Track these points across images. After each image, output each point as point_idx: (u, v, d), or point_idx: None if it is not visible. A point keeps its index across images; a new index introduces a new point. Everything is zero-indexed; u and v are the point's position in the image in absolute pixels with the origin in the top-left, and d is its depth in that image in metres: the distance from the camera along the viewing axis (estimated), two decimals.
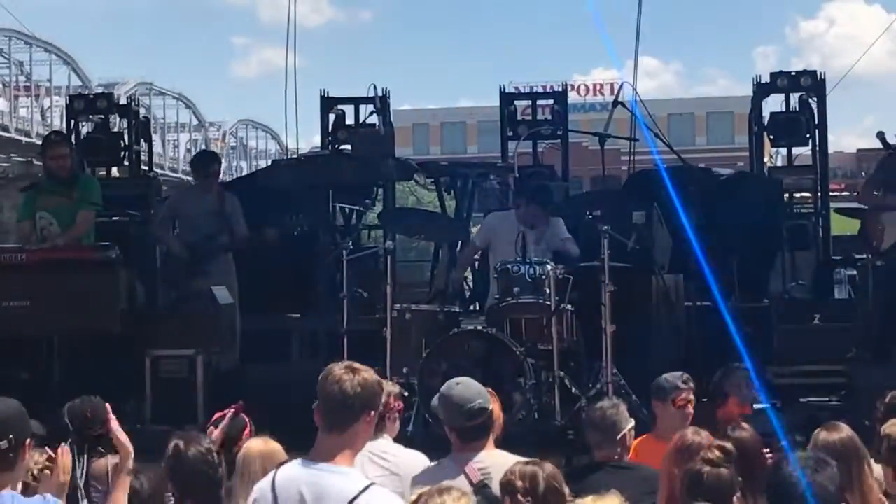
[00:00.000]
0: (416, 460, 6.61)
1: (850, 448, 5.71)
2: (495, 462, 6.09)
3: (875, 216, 11.63)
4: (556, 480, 5.46)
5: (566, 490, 5.48)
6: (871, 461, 5.88)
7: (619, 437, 7.00)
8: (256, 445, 6.14)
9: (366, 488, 4.97)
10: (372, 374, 5.18)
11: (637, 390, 10.31)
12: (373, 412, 5.13)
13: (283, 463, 5.38)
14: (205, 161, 13.26)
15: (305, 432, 6.94)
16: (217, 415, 6.94)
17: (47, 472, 5.87)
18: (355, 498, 4.92)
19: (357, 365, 5.21)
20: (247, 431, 6.74)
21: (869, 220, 11.79)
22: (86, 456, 6.45)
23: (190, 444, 5.74)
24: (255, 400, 8.43)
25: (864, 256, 12.62)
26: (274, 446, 6.12)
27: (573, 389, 10.19)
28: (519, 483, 5.43)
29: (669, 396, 8.01)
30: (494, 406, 6.80)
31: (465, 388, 6.29)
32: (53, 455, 5.94)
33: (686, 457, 6.03)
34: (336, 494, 4.96)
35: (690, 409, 7.92)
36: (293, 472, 5.12)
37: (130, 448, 6.09)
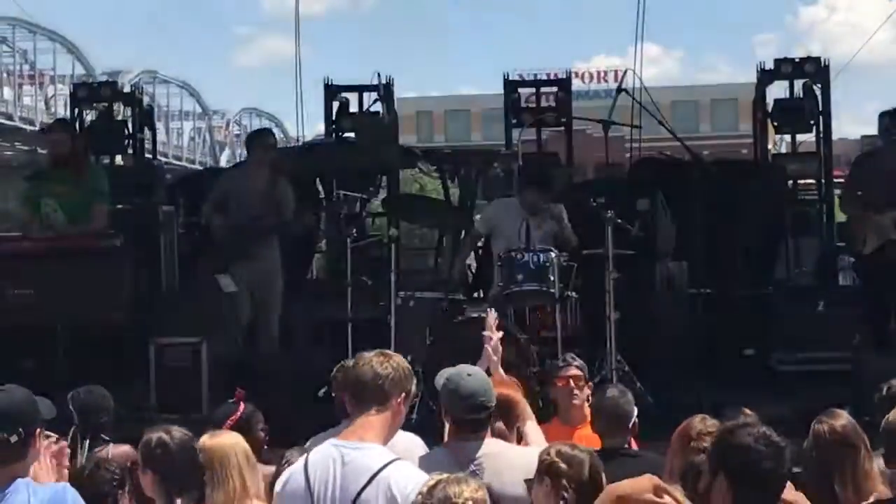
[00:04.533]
0: (412, 442, 6.61)
1: (845, 436, 5.68)
2: (488, 451, 6.08)
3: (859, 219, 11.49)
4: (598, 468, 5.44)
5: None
6: (871, 452, 5.84)
7: (629, 426, 7.04)
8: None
9: (390, 462, 5.12)
10: (402, 360, 5.37)
11: (641, 377, 10.33)
12: (404, 394, 5.31)
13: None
14: (254, 138, 12.76)
15: (309, 419, 6.94)
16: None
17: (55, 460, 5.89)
18: (379, 471, 5.07)
19: (388, 351, 5.42)
20: (234, 417, 6.73)
21: (853, 221, 11.72)
22: (87, 443, 6.47)
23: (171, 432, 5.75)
24: (260, 388, 8.46)
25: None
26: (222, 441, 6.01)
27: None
28: (564, 467, 5.38)
29: (552, 377, 8.13)
30: (517, 395, 6.80)
31: (474, 380, 6.24)
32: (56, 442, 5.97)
33: (685, 444, 6.03)
34: (361, 469, 5.11)
35: (573, 385, 7.96)
36: (324, 453, 5.25)
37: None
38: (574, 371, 8.09)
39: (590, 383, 8.19)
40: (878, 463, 5.85)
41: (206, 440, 5.83)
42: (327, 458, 5.22)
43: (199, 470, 5.62)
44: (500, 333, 7.13)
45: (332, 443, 5.30)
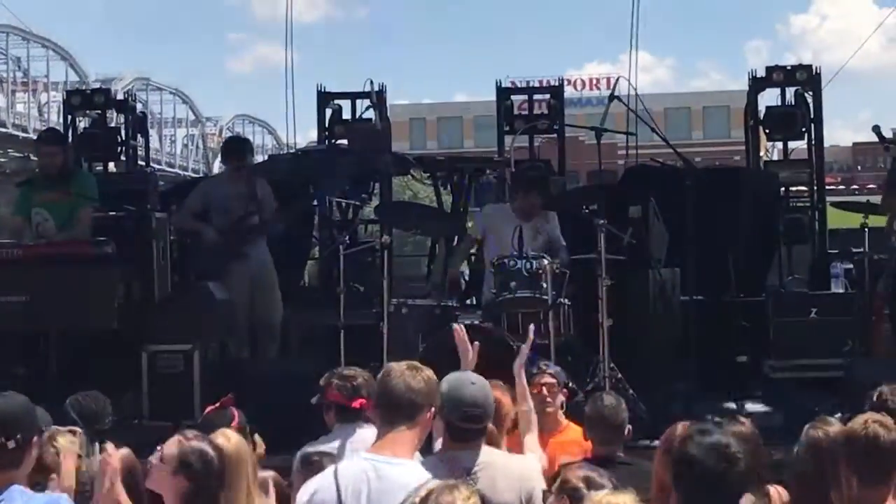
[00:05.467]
0: None
1: (837, 443, 5.68)
2: (483, 461, 6.06)
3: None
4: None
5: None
6: None
7: (624, 433, 7.03)
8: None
9: (427, 481, 5.04)
10: (432, 373, 5.39)
11: (634, 384, 10.32)
12: (433, 408, 5.35)
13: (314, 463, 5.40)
14: (238, 150, 12.85)
15: (301, 427, 6.91)
16: (209, 408, 6.91)
17: (54, 476, 5.88)
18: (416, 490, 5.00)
19: (417, 364, 5.42)
20: (234, 423, 6.69)
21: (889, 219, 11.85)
22: (96, 446, 6.46)
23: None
24: (252, 395, 8.45)
25: (861, 251, 12.65)
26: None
27: (570, 384, 10.18)
28: (586, 493, 5.37)
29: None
30: (506, 399, 6.78)
31: (477, 389, 6.16)
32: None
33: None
34: (397, 486, 5.06)
35: (546, 393, 7.93)
36: (355, 465, 5.24)
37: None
38: (547, 379, 8.05)
39: (564, 390, 8.16)
40: None
41: (223, 443, 5.74)
42: (360, 471, 5.19)
43: (222, 480, 5.52)
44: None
45: (363, 456, 5.28)
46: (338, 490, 5.16)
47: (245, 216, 12.11)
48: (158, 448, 5.42)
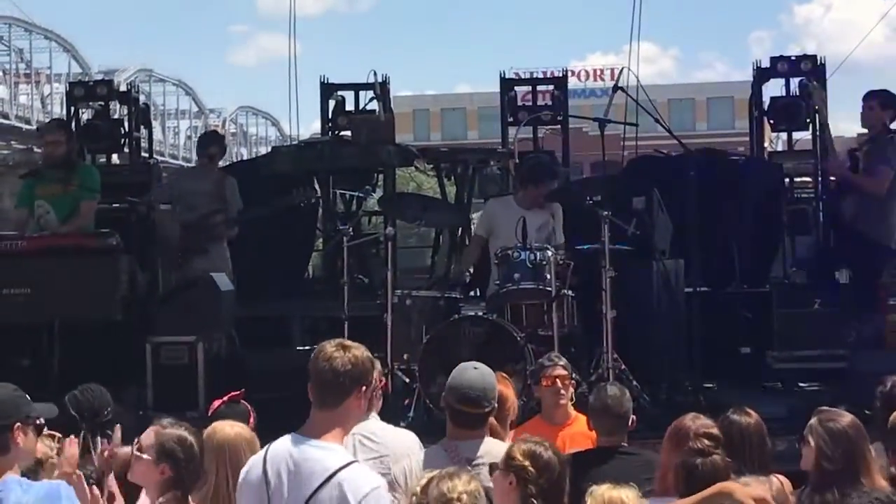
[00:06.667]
0: (406, 439, 6.57)
1: (859, 433, 5.73)
2: (487, 451, 6.05)
3: None
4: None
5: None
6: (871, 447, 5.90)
7: (628, 424, 7.03)
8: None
9: (347, 464, 5.06)
10: (363, 351, 5.24)
11: (637, 376, 10.32)
12: (364, 388, 5.20)
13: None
14: (204, 142, 13.31)
15: (303, 418, 6.93)
16: (215, 402, 6.91)
17: (53, 461, 5.88)
18: (335, 473, 5.01)
19: (348, 342, 5.29)
20: (251, 421, 6.69)
21: None
22: (98, 440, 6.45)
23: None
24: (256, 387, 8.45)
25: None
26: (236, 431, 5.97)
27: (574, 375, 10.18)
28: (532, 472, 5.33)
29: (538, 376, 8.09)
30: (508, 391, 6.77)
31: (477, 374, 6.16)
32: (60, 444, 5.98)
33: (678, 441, 6.04)
34: (317, 468, 5.05)
35: (559, 385, 7.93)
36: (283, 446, 5.21)
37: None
38: (560, 371, 8.06)
39: (573, 382, 8.17)
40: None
41: (229, 430, 5.78)
42: (285, 451, 5.16)
43: (202, 468, 5.55)
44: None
45: (292, 437, 5.24)
46: (265, 469, 5.15)
47: (209, 214, 12.34)
48: (136, 440, 5.44)
